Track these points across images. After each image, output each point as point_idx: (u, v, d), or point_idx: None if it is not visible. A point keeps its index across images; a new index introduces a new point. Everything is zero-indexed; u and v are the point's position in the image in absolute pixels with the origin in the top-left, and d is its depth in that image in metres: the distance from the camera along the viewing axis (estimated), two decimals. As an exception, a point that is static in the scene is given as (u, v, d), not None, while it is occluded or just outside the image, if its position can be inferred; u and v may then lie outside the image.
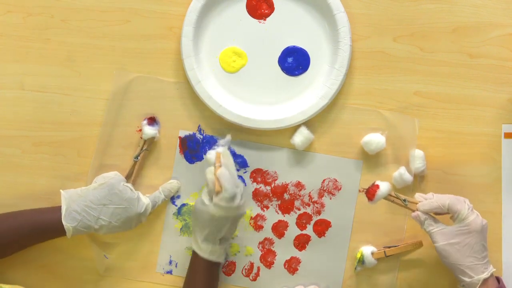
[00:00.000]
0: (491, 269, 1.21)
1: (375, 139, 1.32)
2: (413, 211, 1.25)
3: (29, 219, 1.25)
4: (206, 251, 1.24)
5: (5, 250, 1.27)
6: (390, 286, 1.35)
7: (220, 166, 1.22)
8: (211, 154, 1.24)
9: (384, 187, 1.25)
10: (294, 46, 1.34)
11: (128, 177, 1.33)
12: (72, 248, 1.33)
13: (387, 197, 1.26)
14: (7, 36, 1.34)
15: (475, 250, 1.21)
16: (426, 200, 1.25)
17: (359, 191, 1.30)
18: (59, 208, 1.26)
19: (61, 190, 1.28)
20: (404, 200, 1.26)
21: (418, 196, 1.26)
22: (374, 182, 1.25)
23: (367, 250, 1.33)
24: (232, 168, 1.24)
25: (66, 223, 1.24)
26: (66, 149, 1.35)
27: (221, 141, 1.28)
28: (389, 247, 1.33)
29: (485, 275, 1.20)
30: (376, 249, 1.34)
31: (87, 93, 1.34)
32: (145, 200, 1.30)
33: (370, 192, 1.25)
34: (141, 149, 1.33)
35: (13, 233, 1.25)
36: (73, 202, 1.26)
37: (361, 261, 1.33)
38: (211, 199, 1.22)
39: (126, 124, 1.34)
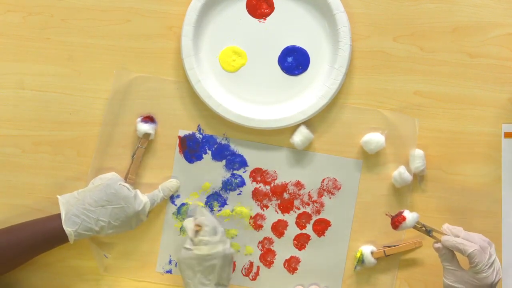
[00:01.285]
0: None
1: (374, 139, 1.32)
2: (437, 241, 1.24)
3: (29, 231, 1.25)
4: None
5: (7, 265, 1.27)
6: (389, 285, 1.35)
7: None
8: (188, 221, 1.27)
9: (410, 220, 1.24)
10: (294, 45, 1.34)
11: (126, 176, 1.33)
12: (72, 247, 1.32)
13: (413, 226, 1.25)
14: (7, 35, 1.34)
15: None
16: (452, 236, 1.22)
17: (385, 214, 1.27)
18: (58, 215, 1.26)
19: (58, 196, 1.28)
20: (429, 231, 1.25)
21: (446, 228, 1.24)
22: (402, 212, 1.24)
23: (366, 250, 1.33)
24: (210, 216, 1.27)
25: (67, 227, 1.24)
26: (66, 149, 1.35)
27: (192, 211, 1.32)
28: (389, 247, 1.33)
29: None
30: (375, 249, 1.34)
31: (87, 92, 1.34)
32: (143, 198, 1.30)
33: (395, 223, 1.25)
34: (137, 146, 1.33)
35: (14, 248, 1.24)
36: (72, 206, 1.26)
37: (361, 260, 1.33)
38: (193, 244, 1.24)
39: (126, 124, 1.34)
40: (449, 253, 1.23)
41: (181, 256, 1.24)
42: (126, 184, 1.29)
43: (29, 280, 1.35)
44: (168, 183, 1.34)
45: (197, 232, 1.24)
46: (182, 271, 1.24)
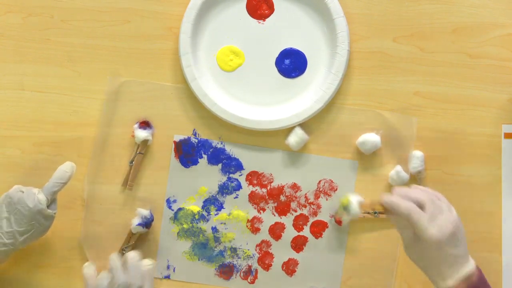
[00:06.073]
0: (457, 277, 1.13)
1: (370, 139, 1.31)
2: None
3: None
4: None
5: None
6: (389, 285, 1.33)
7: None
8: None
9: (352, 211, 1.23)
10: (291, 48, 1.33)
11: (125, 182, 1.33)
12: (72, 247, 1.34)
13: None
14: (7, 36, 1.35)
15: (435, 262, 1.14)
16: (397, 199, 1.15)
17: (329, 217, 1.32)
18: None
19: None
20: (375, 213, 1.23)
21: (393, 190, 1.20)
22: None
23: (354, 199, 1.22)
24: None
25: None
26: (66, 149, 1.35)
27: None
28: (382, 213, 1.22)
29: (448, 282, 1.13)
30: (363, 201, 1.23)
31: (87, 93, 1.35)
32: (35, 191, 1.24)
33: (337, 218, 1.29)
34: (135, 153, 1.33)
35: None
36: None
37: (346, 207, 1.22)
38: None
39: (122, 126, 1.34)
40: (399, 221, 1.16)
41: None
42: (22, 187, 1.24)
43: (29, 279, 1.35)
44: (61, 167, 1.26)
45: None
46: None
